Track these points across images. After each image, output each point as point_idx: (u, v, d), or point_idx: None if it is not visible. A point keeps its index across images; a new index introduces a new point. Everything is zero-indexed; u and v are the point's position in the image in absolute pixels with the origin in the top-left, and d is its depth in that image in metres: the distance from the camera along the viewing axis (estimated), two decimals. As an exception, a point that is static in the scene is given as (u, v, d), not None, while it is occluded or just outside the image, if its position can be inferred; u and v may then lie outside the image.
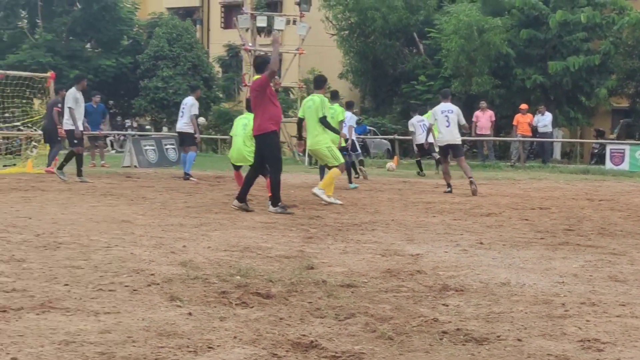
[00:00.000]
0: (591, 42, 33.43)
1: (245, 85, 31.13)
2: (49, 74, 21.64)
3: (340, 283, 5.82)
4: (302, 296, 5.34)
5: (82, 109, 16.51)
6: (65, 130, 16.47)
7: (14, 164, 20.19)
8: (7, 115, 23.62)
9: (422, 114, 22.15)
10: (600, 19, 32.69)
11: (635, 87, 34.37)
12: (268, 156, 11.22)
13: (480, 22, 31.59)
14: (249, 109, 13.01)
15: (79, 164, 16.23)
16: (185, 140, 18.38)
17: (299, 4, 31.10)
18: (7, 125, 23.30)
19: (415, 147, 22.28)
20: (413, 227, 9.74)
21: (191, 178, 17.56)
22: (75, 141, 16.18)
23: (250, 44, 30.76)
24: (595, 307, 5.16)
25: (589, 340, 4.28)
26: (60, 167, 16.23)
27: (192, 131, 17.98)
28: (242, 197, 11.27)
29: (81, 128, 16.22)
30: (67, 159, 16.33)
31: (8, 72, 23.67)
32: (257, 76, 11.21)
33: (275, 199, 11.19)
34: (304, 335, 4.28)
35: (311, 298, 5.28)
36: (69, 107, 16.09)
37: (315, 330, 4.43)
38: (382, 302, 5.23)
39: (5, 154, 24.63)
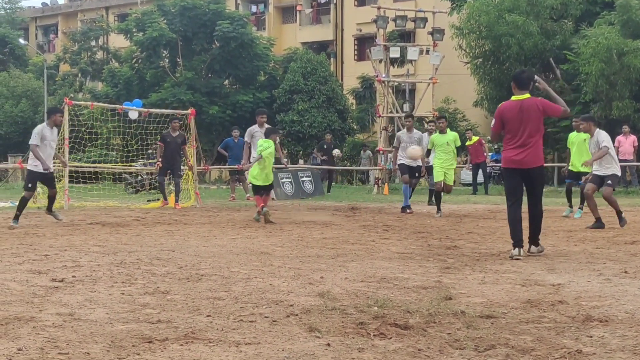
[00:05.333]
0: None
1: (380, 116, 31.33)
2: (190, 110, 22.36)
3: (480, 314, 5.74)
4: (441, 327, 5.30)
5: (50, 147, 14.15)
6: (29, 171, 14.27)
7: (158, 199, 20.87)
8: (150, 151, 24.55)
9: None
10: None
11: None
12: (541, 186, 9.84)
13: (620, 44, 30.70)
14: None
15: (50, 202, 14.76)
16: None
17: (431, 33, 31.13)
18: (151, 161, 24.16)
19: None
20: (554, 257, 9.52)
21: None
22: (30, 185, 14.22)
23: (383, 75, 30.92)
24: None
25: None
26: (16, 218, 13.74)
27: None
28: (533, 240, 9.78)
29: (48, 166, 13.84)
30: (19, 207, 13.96)
31: (151, 110, 24.65)
32: (527, 95, 9.59)
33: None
34: (441, 366, 4.25)
35: (450, 329, 5.23)
36: (33, 144, 13.83)
37: (454, 361, 4.39)
38: (523, 333, 5.13)
39: (150, 189, 25.55)
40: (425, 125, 35.74)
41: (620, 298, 6.47)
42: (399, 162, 17.89)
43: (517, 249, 9.33)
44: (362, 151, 39.46)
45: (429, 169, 18.04)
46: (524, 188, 9.70)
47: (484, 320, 5.54)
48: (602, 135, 13.75)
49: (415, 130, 18.04)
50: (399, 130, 32.64)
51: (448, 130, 17.19)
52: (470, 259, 9.27)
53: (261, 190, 14.89)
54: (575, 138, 16.75)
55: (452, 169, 17.04)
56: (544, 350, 4.61)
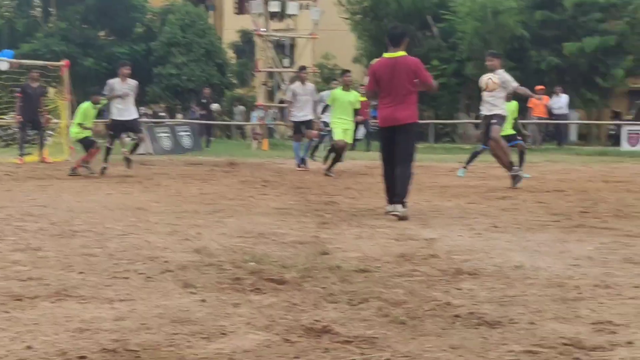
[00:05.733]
0: (607, 22, 33.17)
1: (259, 71, 31.20)
2: (63, 62, 21.73)
3: (354, 268, 5.83)
4: (316, 282, 5.36)
5: None
6: None
7: (30, 153, 20.25)
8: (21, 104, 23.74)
9: None
10: (617, -1, 32.49)
11: (653, 67, 34.13)
12: (411, 146, 9.49)
13: (495, 3, 31.48)
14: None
15: None
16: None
17: (312, -12, 31.19)
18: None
19: None
20: (427, 212, 9.75)
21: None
22: None
23: (263, 29, 30.76)
24: (609, 290, 5.16)
25: (602, 323, 4.29)
26: None
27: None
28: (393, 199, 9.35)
29: None
30: None
31: (22, 61, 23.82)
32: (400, 53, 9.38)
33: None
34: (317, 320, 4.31)
35: (325, 283, 5.30)
36: None
37: (329, 315, 4.45)
38: (396, 286, 5.24)
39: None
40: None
41: (490, 252, 6.69)
42: (293, 119, 17.80)
43: (391, 205, 9.24)
44: (233, 106, 39.33)
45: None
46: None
47: (358, 274, 5.63)
48: (507, 75, 13.65)
49: (308, 83, 18.03)
50: (278, 86, 32.70)
51: (351, 89, 16.64)
52: (347, 215, 9.39)
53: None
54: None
55: (352, 129, 16.63)
56: (415, 303, 4.73)
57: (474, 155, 15.66)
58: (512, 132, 14.96)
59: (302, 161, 17.69)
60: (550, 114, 29.34)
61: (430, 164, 19.80)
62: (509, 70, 32.53)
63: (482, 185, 13.54)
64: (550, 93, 29.20)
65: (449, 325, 4.23)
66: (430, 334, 4.08)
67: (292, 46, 42.95)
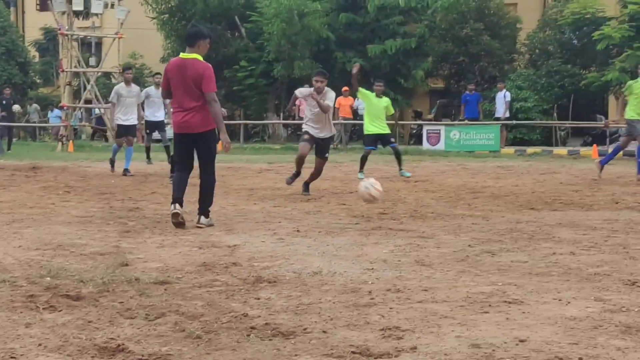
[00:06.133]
0: (407, 25, 34.45)
1: (63, 70, 30.24)
2: None
3: (154, 280, 5.78)
4: (114, 296, 5.28)
5: None
6: None
7: None
8: None
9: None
10: (416, 3, 33.69)
11: (449, 68, 35.70)
12: (210, 153, 9.17)
13: (301, 6, 31.96)
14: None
15: None
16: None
17: (116, -14, 30.63)
18: None
19: None
20: (233, 216, 9.81)
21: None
22: None
23: (66, 28, 29.88)
24: (399, 294, 5.35)
25: (389, 329, 4.43)
26: None
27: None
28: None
29: None
30: None
31: None
32: (193, 55, 8.98)
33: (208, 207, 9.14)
34: (111, 338, 4.24)
35: (122, 298, 5.23)
36: None
37: (124, 332, 4.40)
38: (195, 298, 5.25)
39: None
40: (113, 80, 34.98)
41: (290, 258, 6.80)
42: (117, 121, 17.09)
43: (174, 205, 8.76)
44: (28, 105, 38.09)
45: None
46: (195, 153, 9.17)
47: (157, 286, 5.59)
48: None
49: (133, 85, 17.48)
50: (84, 86, 31.82)
51: None
52: (151, 221, 9.30)
53: None
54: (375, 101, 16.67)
55: None
56: (212, 315, 4.75)
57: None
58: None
59: (119, 168, 16.96)
60: (356, 115, 30.14)
61: (240, 165, 19.90)
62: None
63: (287, 188, 13.71)
64: (355, 94, 29.98)
65: (244, 338, 4.27)
66: (225, 347, 4.11)
67: (99, 45, 42.02)
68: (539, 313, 4.81)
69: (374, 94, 16.60)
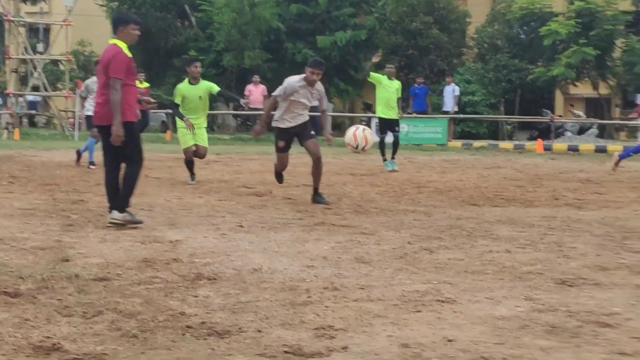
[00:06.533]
0: (358, 17, 34.61)
1: (9, 57, 29.86)
2: None
3: (94, 276, 5.79)
4: (53, 293, 5.29)
5: None
6: None
7: None
8: None
9: None
10: (367, -5, 33.98)
11: (399, 61, 35.87)
12: (130, 147, 8.37)
13: (251, -4, 32.01)
14: None
15: None
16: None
17: (65, -27, 30.26)
18: None
19: None
20: (177, 210, 9.78)
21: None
22: None
23: (12, 14, 29.49)
24: (336, 292, 5.41)
25: (323, 328, 4.49)
26: None
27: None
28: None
29: None
30: None
31: None
32: (112, 40, 8.55)
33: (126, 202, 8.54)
34: (47, 337, 4.26)
35: (61, 295, 5.23)
36: None
37: (61, 331, 4.41)
38: (133, 295, 5.26)
39: None
40: (61, 67, 34.41)
41: (232, 254, 6.82)
42: (87, 112, 16.05)
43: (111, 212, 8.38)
44: None
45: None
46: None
47: (97, 283, 5.60)
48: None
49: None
50: (32, 72, 31.48)
51: (202, 81, 13.22)
52: (95, 215, 9.26)
53: None
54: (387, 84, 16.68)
55: (204, 127, 13.87)
56: (150, 314, 4.78)
57: None
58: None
59: (87, 160, 16.34)
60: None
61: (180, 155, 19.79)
62: (266, 62, 33.42)
63: (234, 180, 13.75)
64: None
65: (179, 337, 4.31)
66: (160, 347, 4.15)
67: (47, 31, 41.49)
68: (470, 312, 4.93)
69: (385, 76, 16.77)
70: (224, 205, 10.28)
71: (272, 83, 33.01)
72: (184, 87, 13.13)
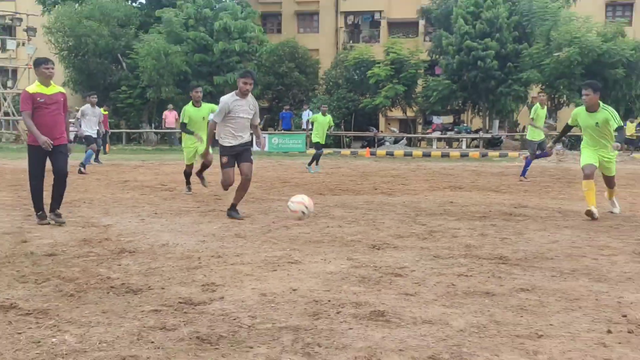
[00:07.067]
0: (243, 63, 34.38)
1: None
2: None
3: (45, 253, 5.62)
4: (13, 266, 5.10)
5: None
6: None
7: None
8: None
9: None
10: (248, 48, 33.74)
11: (272, 94, 35.93)
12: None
13: (166, 47, 31.30)
14: None
15: None
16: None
17: (27, 30, 28.81)
18: None
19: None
20: (110, 202, 9.52)
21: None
22: None
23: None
24: (219, 259, 5.42)
25: (208, 284, 4.51)
26: None
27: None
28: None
29: None
30: None
31: None
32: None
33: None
34: (7, 299, 4.13)
35: (19, 267, 5.06)
36: None
37: (17, 293, 4.28)
38: (74, 266, 5.14)
39: None
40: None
41: (147, 233, 6.71)
42: (85, 133, 15.71)
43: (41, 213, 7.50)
44: None
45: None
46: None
47: (47, 257, 5.44)
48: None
49: (97, 107, 16.36)
50: (2, 102, 29.83)
51: (204, 103, 11.02)
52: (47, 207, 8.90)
53: None
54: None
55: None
56: (84, 279, 4.68)
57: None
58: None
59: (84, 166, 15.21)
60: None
61: (120, 162, 19.32)
62: (177, 95, 32.69)
63: (154, 180, 13.48)
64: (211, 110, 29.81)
65: (105, 295, 4.25)
66: (90, 302, 4.08)
67: (15, 71, 39.38)
68: (309, 270, 5.04)
69: (320, 114, 16.86)
70: (144, 199, 10.07)
71: (181, 109, 32.52)
72: (189, 109, 10.90)
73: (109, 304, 4.04)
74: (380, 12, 41.26)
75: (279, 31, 41.84)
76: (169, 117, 28.31)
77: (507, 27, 30.09)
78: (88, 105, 16.49)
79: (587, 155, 8.25)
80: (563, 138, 27.57)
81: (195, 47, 33.34)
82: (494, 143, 29.80)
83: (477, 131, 32.03)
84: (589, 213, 7.93)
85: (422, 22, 38.93)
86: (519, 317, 3.80)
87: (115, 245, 6.08)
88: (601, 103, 8.21)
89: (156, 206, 9.08)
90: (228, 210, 8.14)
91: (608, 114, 8.10)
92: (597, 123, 8.14)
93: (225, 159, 8.10)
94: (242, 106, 8.01)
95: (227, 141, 8.08)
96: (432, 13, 34.40)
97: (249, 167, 8.09)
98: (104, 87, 34.40)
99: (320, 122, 16.73)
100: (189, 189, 11.10)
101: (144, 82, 32.50)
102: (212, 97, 33.93)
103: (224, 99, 8.11)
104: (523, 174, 14.14)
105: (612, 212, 8.56)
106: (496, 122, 32.99)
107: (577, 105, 29.35)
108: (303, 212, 6.65)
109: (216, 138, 8.32)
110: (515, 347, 3.28)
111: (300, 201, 6.62)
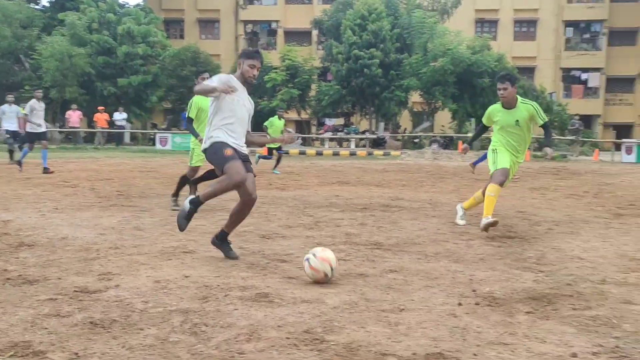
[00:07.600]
0: (146, 66, 33.56)
1: None
2: None
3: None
4: None
5: None
6: None
7: None
8: None
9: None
10: (152, 52, 32.92)
11: (174, 96, 35.23)
12: None
13: (69, 50, 29.99)
14: None
15: None
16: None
17: None
18: None
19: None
20: (11, 198, 9.03)
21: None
22: None
23: None
24: (117, 250, 5.32)
25: (105, 274, 4.43)
26: None
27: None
28: None
29: None
30: None
31: None
32: None
33: None
34: None
35: None
36: None
37: None
38: (-30, 260, 4.90)
39: None
40: None
41: (47, 228, 6.46)
42: (28, 129, 14.43)
43: None
44: None
45: None
46: None
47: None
48: None
49: (41, 101, 15.01)
50: None
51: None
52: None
53: None
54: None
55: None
56: (-19, 272, 4.49)
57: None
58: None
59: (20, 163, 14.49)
60: (112, 125, 28.99)
61: (23, 161, 18.26)
62: (81, 95, 31.44)
63: (57, 177, 12.93)
64: (113, 111, 29.00)
65: (1, 287, 4.09)
66: (-15, 294, 3.93)
67: None
68: (203, 258, 5.04)
69: (276, 117, 16.42)
70: (46, 195, 9.64)
71: (87, 110, 31.26)
72: (198, 99, 8.68)
73: (4, 295, 3.89)
74: (277, 21, 41.46)
75: (182, 37, 41.16)
76: (73, 116, 27.22)
77: (390, 39, 31.08)
78: (34, 100, 15.46)
79: (504, 158, 6.59)
80: (438, 138, 28.55)
81: (99, 49, 32.17)
82: (378, 143, 30.70)
83: (364, 132, 32.87)
84: (493, 225, 6.24)
85: (315, 32, 39.49)
86: (386, 295, 4.01)
87: (14, 239, 5.81)
88: (519, 97, 6.63)
89: (57, 202, 8.73)
90: (215, 239, 5.23)
91: (531, 108, 6.55)
92: (517, 121, 6.55)
93: (229, 151, 4.94)
94: (242, 95, 5.14)
95: (224, 138, 5.03)
96: (324, 24, 34.94)
97: (254, 182, 5.17)
98: (6, 87, 32.49)
99: (277, 126, 16.56)
100: (176, 202, 8.36)
101: (47, 83, 30.98)
102: (117, 98, 32.95)
103: (222, 75, 5.20)
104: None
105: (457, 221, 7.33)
106: (381, 124, 34.01)
107: (450, 109, 30.85)
108: (326, 275, 4.33)
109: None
110: (380, 320, 3.48)
111: (325, 258, 4.36)
